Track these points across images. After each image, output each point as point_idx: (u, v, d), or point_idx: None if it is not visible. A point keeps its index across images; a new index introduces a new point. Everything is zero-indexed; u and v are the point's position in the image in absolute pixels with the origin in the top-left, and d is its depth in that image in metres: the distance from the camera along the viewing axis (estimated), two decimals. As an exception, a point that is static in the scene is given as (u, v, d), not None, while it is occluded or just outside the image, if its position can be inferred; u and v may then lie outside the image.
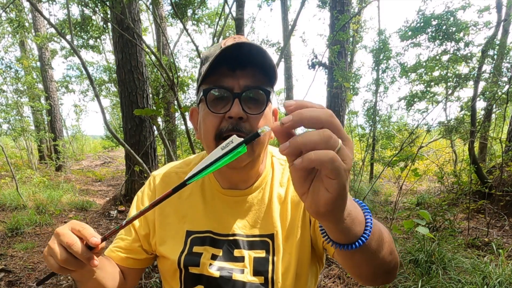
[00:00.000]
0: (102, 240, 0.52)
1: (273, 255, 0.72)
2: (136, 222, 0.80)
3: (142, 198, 0.82)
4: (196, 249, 0.74)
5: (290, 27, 6.61)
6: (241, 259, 0.72)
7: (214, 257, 0.72)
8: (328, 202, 0.37)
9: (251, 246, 0.73)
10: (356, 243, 0.45)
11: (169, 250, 0.75)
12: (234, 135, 0.42)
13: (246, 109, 0.65)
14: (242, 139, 0.41)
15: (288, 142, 0.36)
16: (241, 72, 0.65)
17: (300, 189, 0.40)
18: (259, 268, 0.71)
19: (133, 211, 0.83)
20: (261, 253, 0.72)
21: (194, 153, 2.59)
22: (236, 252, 0.73)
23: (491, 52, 4.47)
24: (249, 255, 0.72)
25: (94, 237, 0.52)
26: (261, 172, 0.79)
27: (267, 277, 0.70)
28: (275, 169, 0.81)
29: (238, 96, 0.64)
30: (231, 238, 0.74)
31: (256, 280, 0.71)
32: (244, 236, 0.74)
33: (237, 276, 0.70)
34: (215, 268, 0.71)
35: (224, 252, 0.73)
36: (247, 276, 0.71)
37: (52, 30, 9.89)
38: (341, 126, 0.37)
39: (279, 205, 0.76)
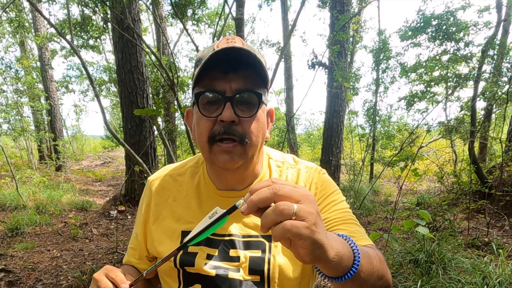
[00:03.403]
0: (130, 286, 0.63)
1: (270, 255, 0.72)
2: (138, 230, 0.84)
3: (141, 206, 0.85)
4: (191, 249, 0.74)
5: (290, 27, 6.61)
6: (236, 259, 0.72)
7: (209, 256, 0.73)
8: (307, 254, 0.43)
9: (247, 246, 0.73)
10: (345, 276, 0.50)
11: (166, 250, 0.76)
12: (217, 207, 0.49)
13: (238, 113, 0.65)
14: (225, 210, 0.48)
15: (261, 225, 0.43)
16: (233, 75, 0.65)
17: (288, 248, 0.46)
18: (255, 267, 0.71)
19: (137, 221, 0.86)
20: (257, 253, 0.72)
21: (194, 153, 2.59)
22: (232, 252, 0.73)
23: (491, 52, 4.47)
24: (245, 255, 0.72)
25: (124, 283, 0.62)
26: (258, 173, 0.78)
27: (263, 276, 0.70)
28: (272, 170, 0.81)
29: (230, 99, 0.64)
30: (227, 238, 0.74)
31: (252, 278, 0.71)
32: (240, 237, 0.74)
33: (233, 274, 0.71)
34: (211, 267, 0.71)
35: (219, 252, 0.73)
36: (243, 275, 0.71)
37: (52, 30, 9.90)
38: (290, 190, 0.43)
39: None
